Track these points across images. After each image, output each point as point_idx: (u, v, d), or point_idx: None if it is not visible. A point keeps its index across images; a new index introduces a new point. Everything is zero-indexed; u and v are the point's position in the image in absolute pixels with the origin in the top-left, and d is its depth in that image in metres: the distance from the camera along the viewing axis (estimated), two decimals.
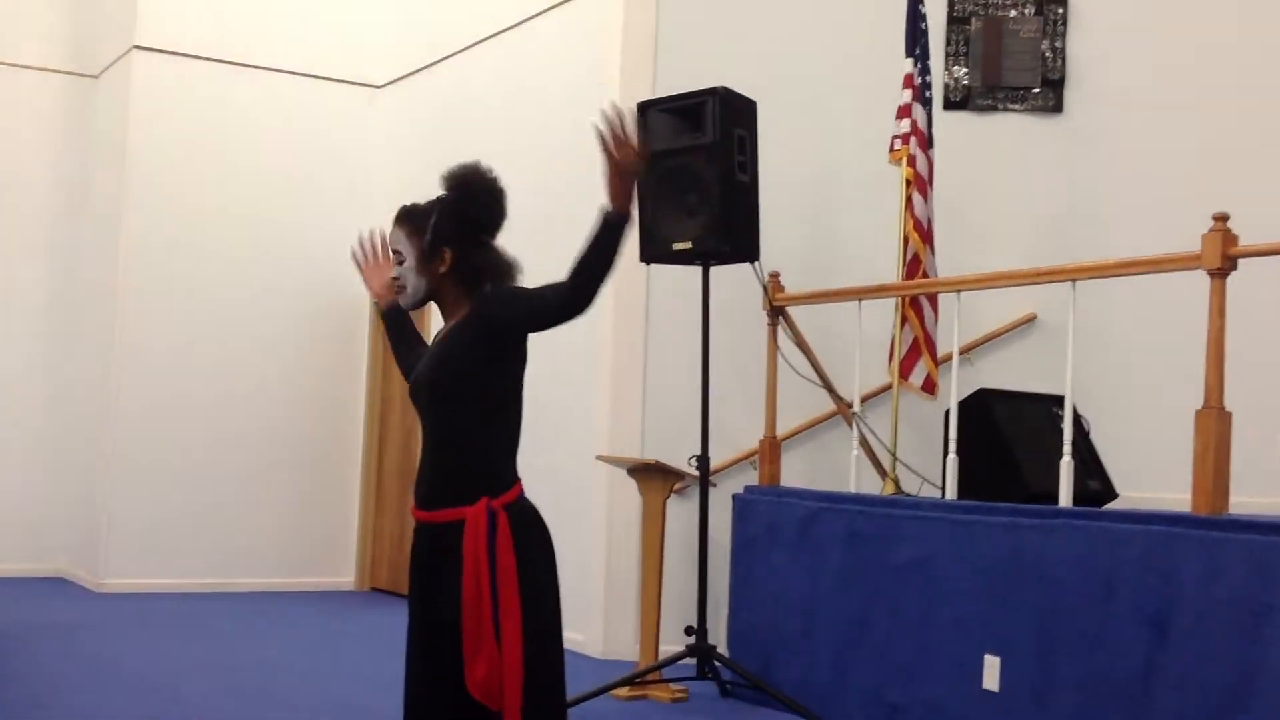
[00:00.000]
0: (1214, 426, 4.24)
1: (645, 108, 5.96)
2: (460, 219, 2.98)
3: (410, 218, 3.04)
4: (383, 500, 9.41)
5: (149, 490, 8.76)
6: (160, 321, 8.88)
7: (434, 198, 3.06)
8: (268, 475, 9.13)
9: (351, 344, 9.51)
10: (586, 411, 7.00)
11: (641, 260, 6.03)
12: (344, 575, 9.45)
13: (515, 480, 2.92)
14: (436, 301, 2.99)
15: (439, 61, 8.90)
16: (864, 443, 6.02)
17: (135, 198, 8.87)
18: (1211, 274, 4.35)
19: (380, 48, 9.52)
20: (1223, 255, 4.32)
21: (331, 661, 6.63)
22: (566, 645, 7.25)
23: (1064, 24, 6.80)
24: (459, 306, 2.97)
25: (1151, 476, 5.74)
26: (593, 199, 8.06)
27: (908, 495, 5.91)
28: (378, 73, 9.54)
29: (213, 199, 9.05)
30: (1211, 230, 4.36)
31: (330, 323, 9.41)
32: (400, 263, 2.98)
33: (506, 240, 8.64)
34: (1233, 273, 4.36)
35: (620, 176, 2.73)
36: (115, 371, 8.80)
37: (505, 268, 3.02)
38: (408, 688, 2.95)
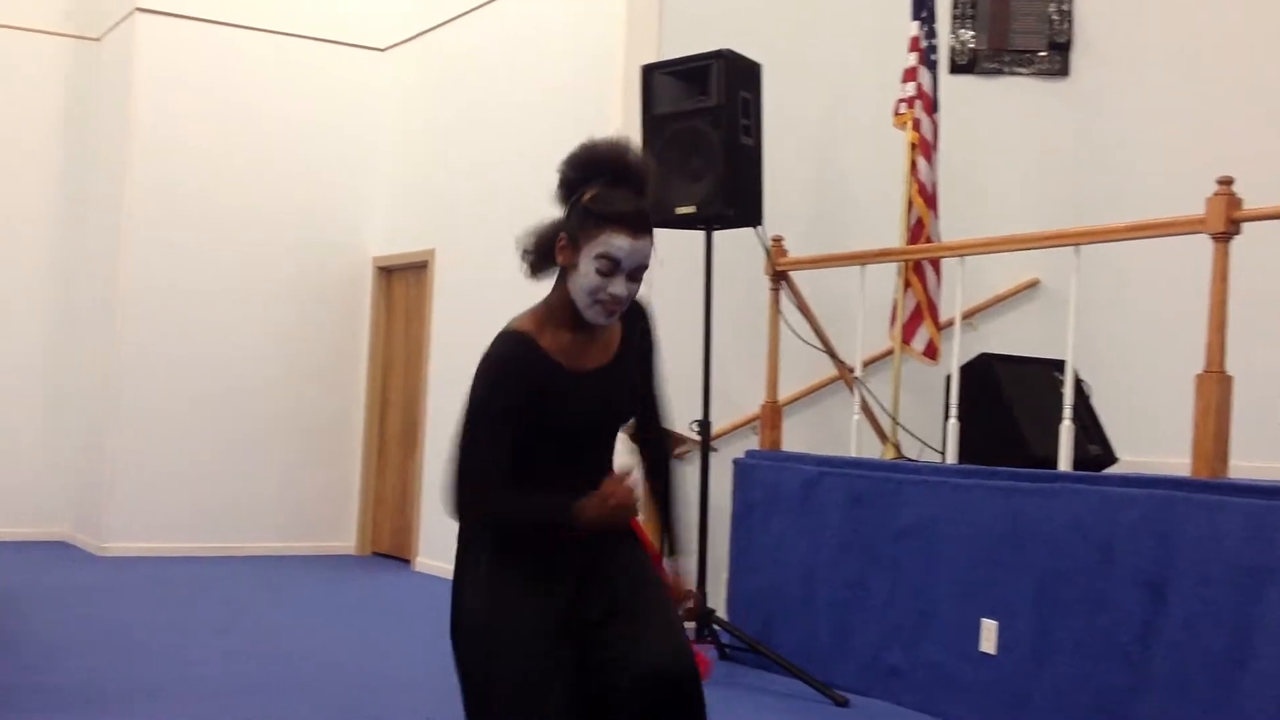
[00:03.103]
0: (1215, 391, 4.23)
1: (650, 70, 5.93)
2: None
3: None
4: (385, 464, 9.42)
5: (151, 454, 8.78)
6: (163, 286, 8.87)
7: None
8: (269, 439, 9.15)
9: (354, 306, 9.50)
10: None
11: None
12: (345, 540, 9.47)
13: None
14: None
15: (442, 24, 8.86)
16: (865, 408, 6.01)
17: (138, 160, 8.84)
18: (1215, 238, 4.33)
19: (383, 11, 9.47)
20: (1226, 219, 4.30)
21: (333, 625, 6.66)
22: None
23: None
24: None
25: (1152, 441, 5.74)
26: None
27: (908, 460, 5.91)
28: (381, 36, 9.49)
29: (214, 161, 9.03)
30: (1215, 194, 4.33)
31: (333, 285, 9.41)
32: (637, 281, 2.50)
33: (509, 205, 8.61)
34: (1236, 237, 4.34)
35: (605, 512, 2.45)
36: (117, 337, 8.80)
37: None
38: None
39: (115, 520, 8.72)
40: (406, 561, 8.88)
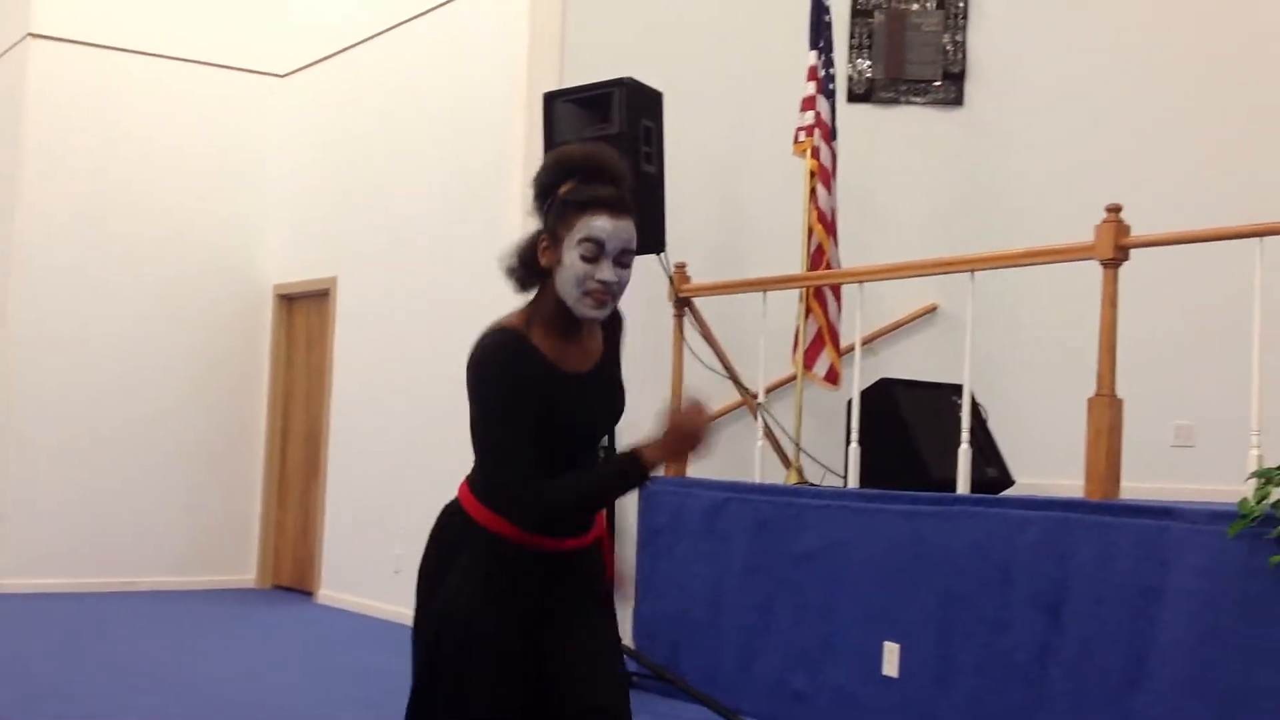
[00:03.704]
0: (1106, 413, 4.32)
1: (551, 98, 5.94)
2: None
3: (634, 210, 2.46)
4: (286, 495, 9.29)
5: (46, 488, 8.56)
6: (55, 316, 8.67)
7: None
8: (167, 471, 8.97)
9: (254, 334, 9.37)
10: None
11: None
12: (245, 573, 9.31)
13: None
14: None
15: (342, 51, 8.80)
16: (769, 433, 6.05)
17: (30, 187, 8.66)
18: (1104, 264, 4.44)
19: (282, 37, 9.39)
20: (1115, 246, 4.40)
21: (236, 660, 6.53)
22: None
23: (964, 18, 6.89)
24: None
25: (1048, 463, 5.84)
26: (497, 189, 8.03)
27: (811, 485, 5.96)
28: (280, 62, 9.41)
29: (110, 188, 8.88)
30: (1104, 221, 4.44)
31: (232, 313, 9.28)
32: (627, 266, 2.43)
33: (412, 232, 8.53)
34: (1125, 263, 4.45)
35: (679, 444, 2.37)
36: (7, 369, 8.58)
37: None
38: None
39: (8, 556, 8.48)
40: (309, 594, 8.75)
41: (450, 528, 2.57)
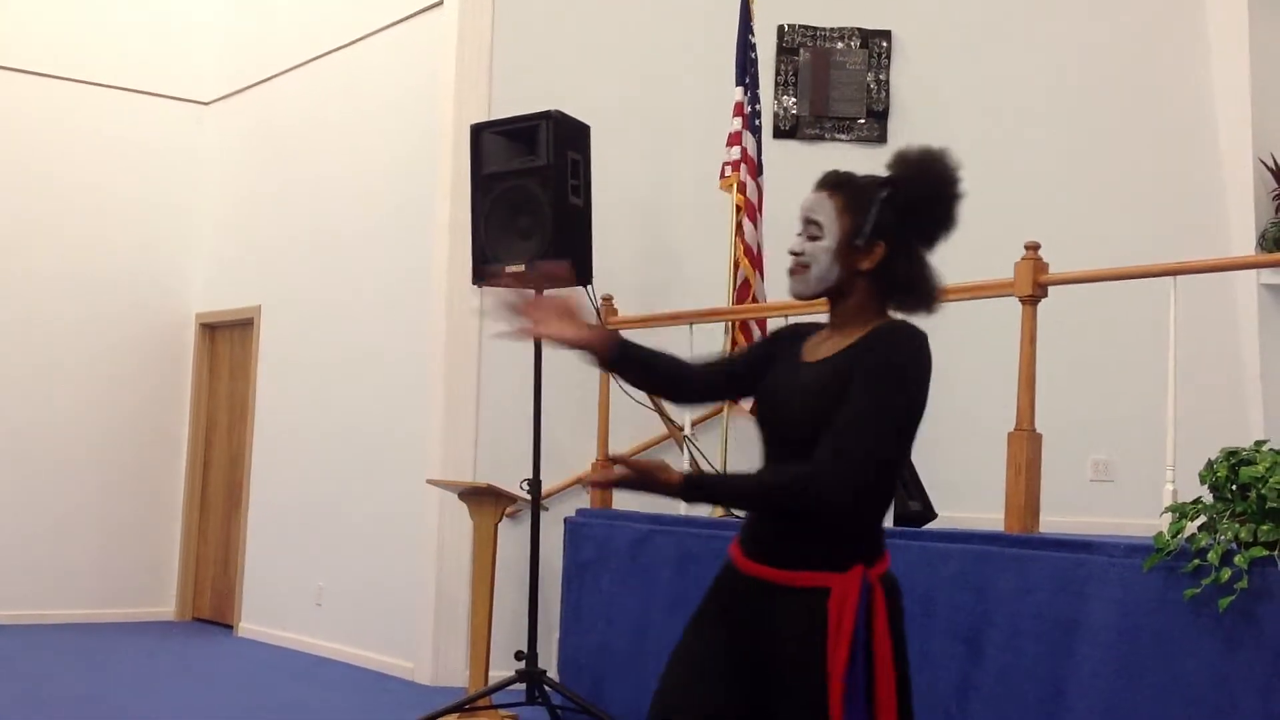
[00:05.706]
0: (1025, 448, 4.38)
1: (479, 130, 5.94)
2: (909, 212, 2.45)
3: (848, 188, 2.45)
4: (206, 527, 9.16)
5: None
6: None
7: (875, 174, 2.49)
8: (85, 500, 8.82)
9: (176, 366, 9.25)
10: (418, 434, 6.93)
11: (474, 283, 6.00)
12: (164, 605, 9.16)
13: (885, 547, 2.47)
14: (834, 299, 2.49)
15: (269, 79, 8.75)
16: (695, 466, 6.06)
17: None
18: (1023, 301, 4.51)
19: (208, 64, 9.32)
20: (1034, 283, 4.48)
21: (151, 696, 6.42)
22: (397, 673, 7.11)
23: (888, 57, 7.00)
24: (854, 318, 2.47)
25: (970, 496, 5.91)
26: (424, 219, 8.00)
27: (737, 517, 5.98)
28: (206, 89, 9.33)
29: (31, 218, 8.73)
30: (1023, 259, 4.51)
31: (153, 342, 9.16)
32: (814, 238, 2.43)
33: (338, 261, 8.47)
34: (1044, 299, 4.52)
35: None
36: None
37: (930, 291, 2.53)
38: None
39: None
40: (229, 627, 8.63)
41: None
